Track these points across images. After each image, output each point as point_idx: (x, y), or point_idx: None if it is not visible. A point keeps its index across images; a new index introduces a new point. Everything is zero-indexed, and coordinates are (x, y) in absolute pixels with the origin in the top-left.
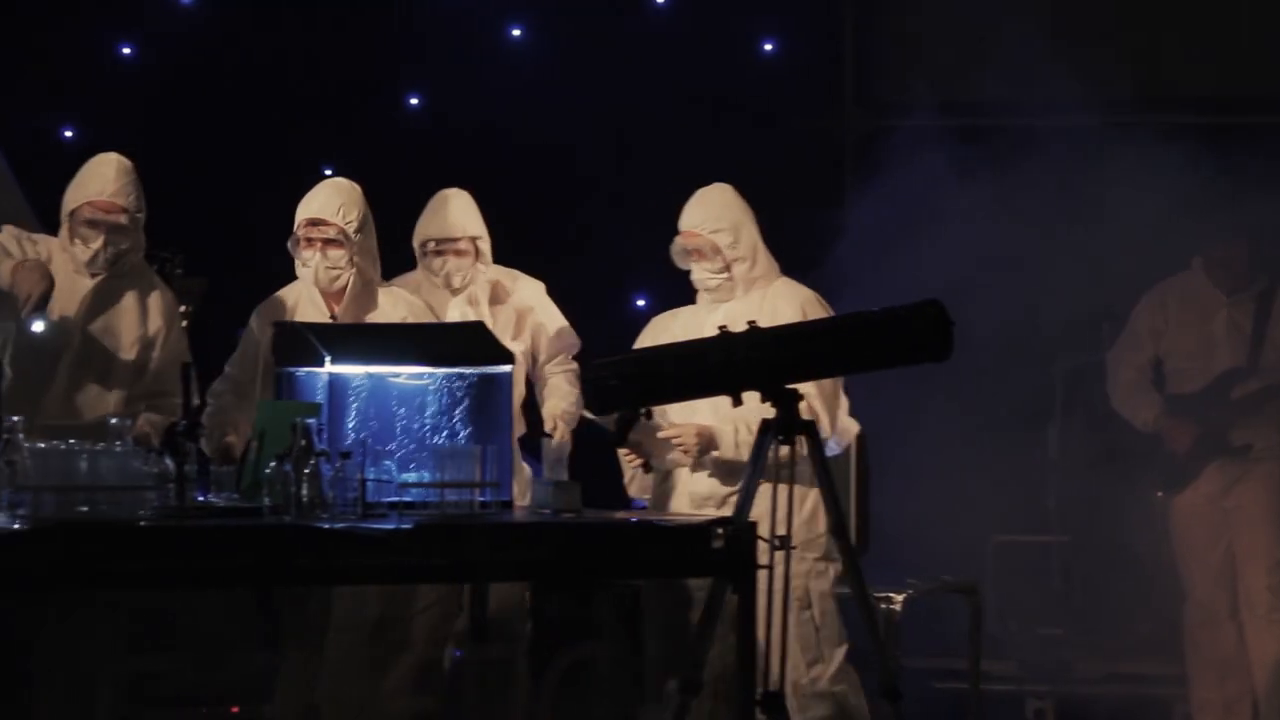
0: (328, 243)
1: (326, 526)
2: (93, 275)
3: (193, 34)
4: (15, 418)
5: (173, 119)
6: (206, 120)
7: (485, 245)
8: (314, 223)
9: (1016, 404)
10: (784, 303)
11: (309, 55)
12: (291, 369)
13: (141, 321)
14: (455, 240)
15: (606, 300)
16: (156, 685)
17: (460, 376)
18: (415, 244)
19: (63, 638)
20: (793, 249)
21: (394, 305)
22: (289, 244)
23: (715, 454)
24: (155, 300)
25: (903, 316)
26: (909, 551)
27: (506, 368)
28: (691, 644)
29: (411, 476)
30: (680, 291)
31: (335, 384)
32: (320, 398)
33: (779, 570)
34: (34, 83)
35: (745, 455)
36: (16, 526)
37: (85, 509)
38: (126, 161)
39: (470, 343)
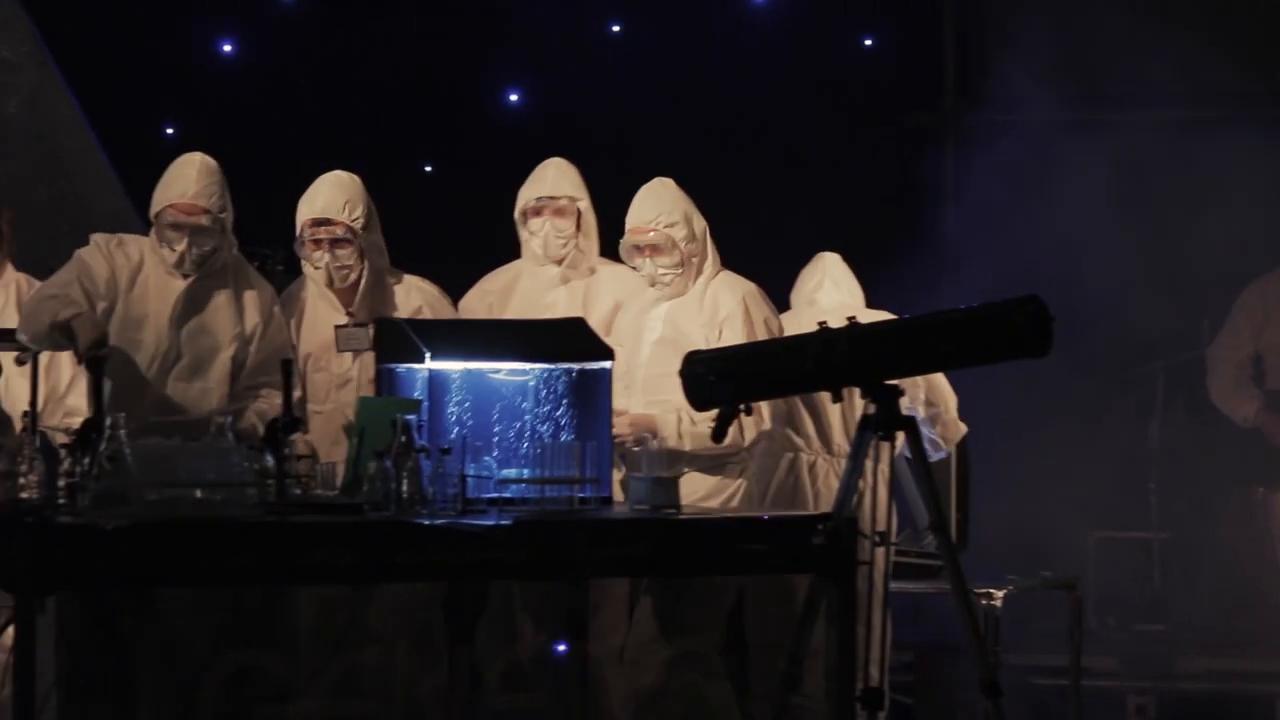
0: (335, 242)
1: (426, 522)
2: (184, 276)
3: (292, 32)
4: (120, 414)
5: (273, 116)
6: (305, 118)
7: (588, 212)
8: (319, 222)
9: (1117, 400)
10: (726, 295)
11: (406, 52)
12: (392, 365)
13: (237, 319)
14: (555, 199)
15: None
16: (258, 680)
17: (560, 372)
18: (516, 215)
19: (165, 634)
20: (894, 241)
21: (408, 295)
22: (295, 245)
23: (656, 442)
24: (251, 296)
25: (1003, 312)
26: (1009, 548)
27: (606, 363)
28: (791, 640)
29: (511, 472)
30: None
31: (435, 380)
32: (420, 394)
33: (876, 566)
34: (135, 82)
35: (688, 445)
36: (119, 524)
37: (187, 506)
38: (210, 161)
39: (570, 339)
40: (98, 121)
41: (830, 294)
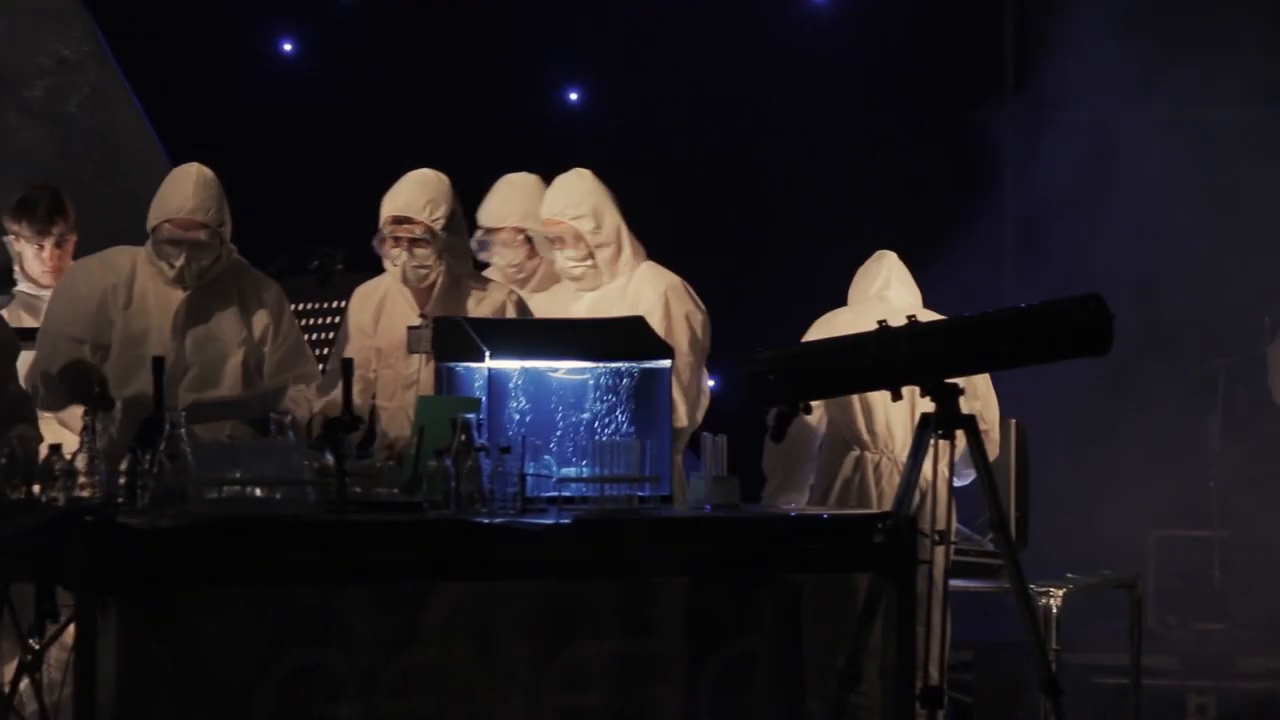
0: (414, 241)
1: (486, 521)
2: (185, 289)
3: (352, 31)
4: (181, 411)
5: (331, 116)
6: (364, 117)
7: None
8: (399, 220)
9: (1177, 397)
10: (647, 288)
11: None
12: (451, 364)
13: (243, 324)
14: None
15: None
16: (316, 680)
17: (620, 371)
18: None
19: (224, 633)
20: (954, 239)
21: (480, 304)
22: (374, 241)
23: None
24: (255, 298)
25: (1063, 310)
26: (1069, 546)
27: (666, 362)
28: (850, 638)
29: (570, 471)
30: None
31: (495, 379)
32: (480, 393)
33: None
34: (195, 80)
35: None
36: (179, 523)
37: (246, 505)
38: (207, 173)
39: (630, 337)
40: (158, 120)
41: (899, 292)
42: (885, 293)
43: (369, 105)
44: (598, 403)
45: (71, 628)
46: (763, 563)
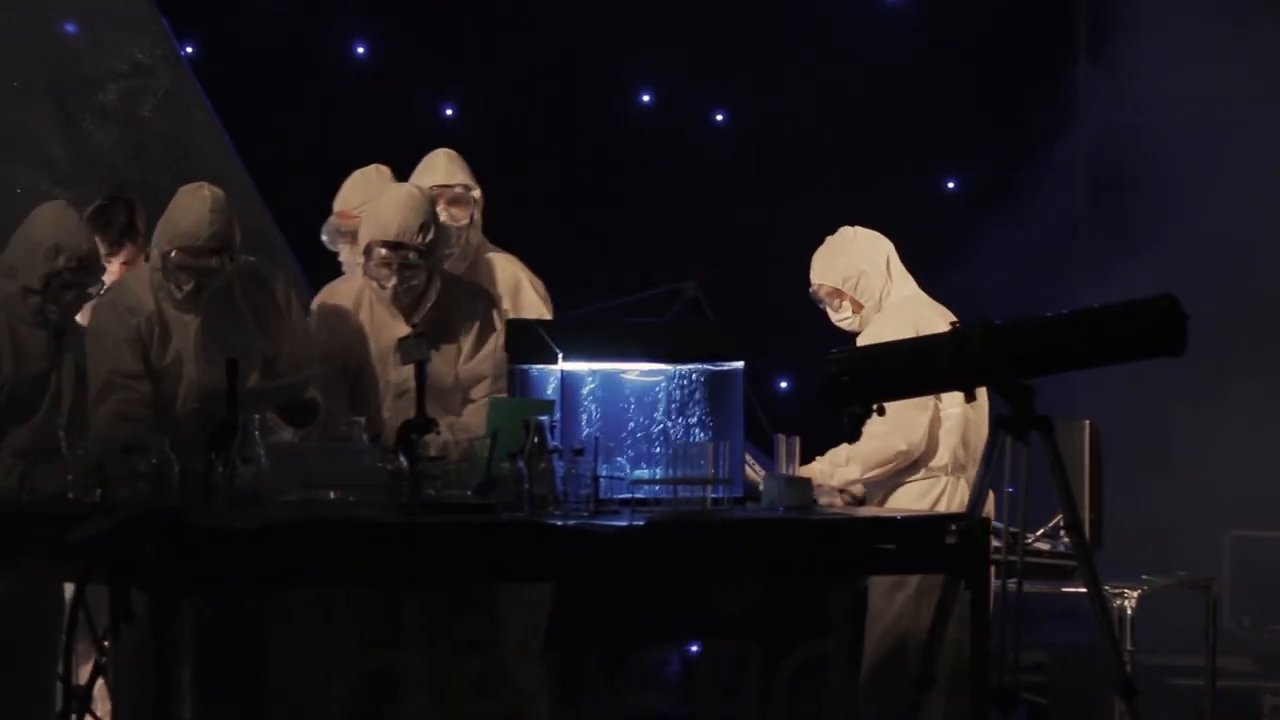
0: (406, 265)
1: (559, 523)
2: (195, 313)
3: (421, 32)
4: (255, 415)
5: (401, 118)
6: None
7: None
8: (390, 245)
9: (1253, 397)
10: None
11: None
12: (524, 366)
13: (256, 333)
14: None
15: None
16: (389, 682)
17: (693, 372)
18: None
19: (298, 635)
20: (1034, 240)
21: (463, 305)
22: (327, 233)
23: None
24: (265, 297)
25: (1138, 310)
26: (1143, 547)
27: (738, 364)
28: (924, 640)
29: (644, 473)
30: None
31: (568, 381)
32: (553, 395)
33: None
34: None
35: (857, 471)
36: (253, 525)
37: (320, 507)
38: (219, 196)
39: (702, 339)
40: (231, 125)
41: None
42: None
43: (437, 107)
44: (670, 404)
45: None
46: (836, 564)
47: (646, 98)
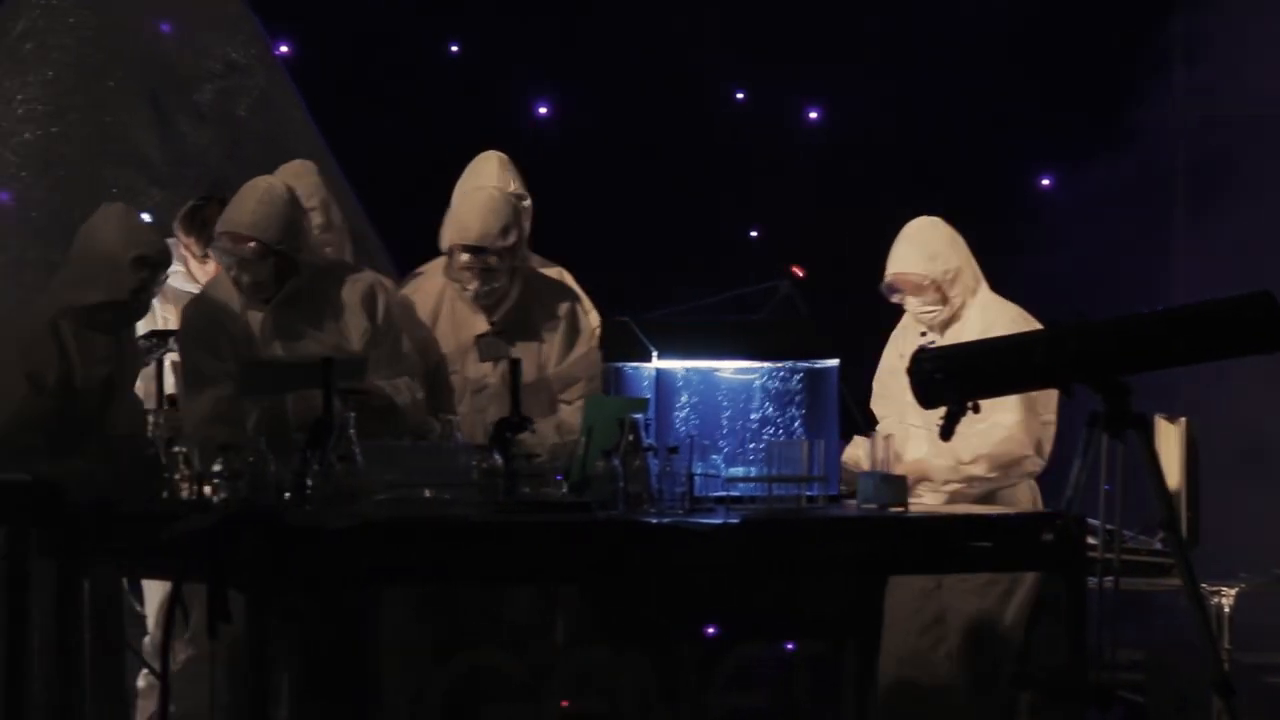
0: (488, 270)
1: (654, 521)
2: (264, 302)
3: (508, 32)
4: (350, 415)
5: (489, 119)
6: (514, 120)
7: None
8: (473, 250)
9: None
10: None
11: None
12: (619, 364)
13: (338, 333)
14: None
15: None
16: (487, 679)
17: (788, 370)
18: None
19: (396, 633)
20: (1130, 238)
21: (545, 304)
22: (446, 255)
23: (925, 484)
24: (348, 302)
25: (1234, 307)
26: (1241, 545)
27: (834, 361)
28: (1021, 638)
29: (739, 471)
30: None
31: (662, 379)
32: (647, 392)
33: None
34: (363, 82)
35: (948, 489)
36: (349, 524)
37: (415, 506)
38: (277, 188)
39: (797, 336)
40: (325, 123)
41: None
42: None
43: (518, 106)
44: (765, 402)
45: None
46: (931, 562)
47: (740, 95)
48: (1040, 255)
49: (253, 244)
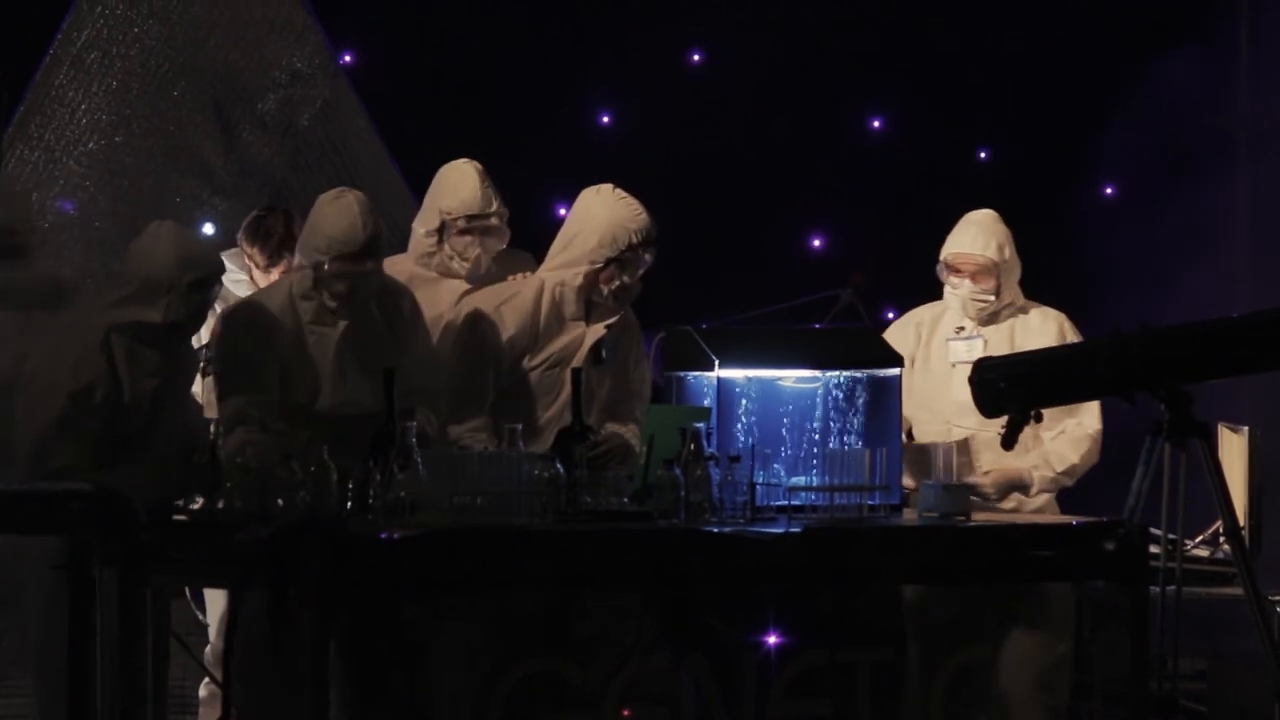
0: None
1: (715, 530)
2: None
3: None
4: (411, 423)
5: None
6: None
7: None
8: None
9: None
10: None
11: None
12: (681, 373)
13: (394, 341)
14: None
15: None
16: (547, 688)
17: (849, 379)
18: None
19: (456, 642)
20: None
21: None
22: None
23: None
24: (395, 312)
25: None
26: None
27: (895, 370)
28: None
29: (800, 480)
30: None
31: (724, 388)
32: (709, 402)
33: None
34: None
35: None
36: (410, 533)
37: (477, 515)
38: (363, 199)
39: (859, 345)
40: (388, 133)
41: None
42: None
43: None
44: (827, 411)
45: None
46: (994, 571)
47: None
48: (1101, 263)
49: (372, 260)
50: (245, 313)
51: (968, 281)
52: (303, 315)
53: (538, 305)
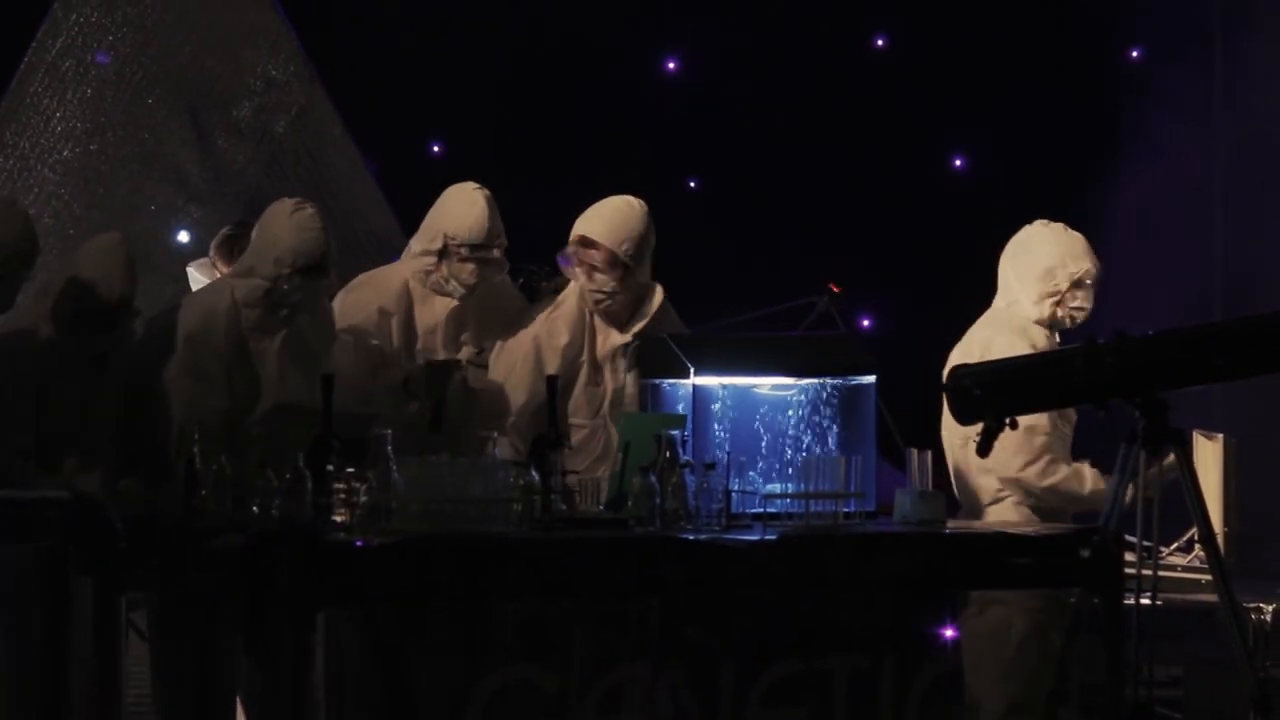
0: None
1: (691, 538)
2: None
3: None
4: (386, 431)
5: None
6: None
7: None
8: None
9: None
10: None
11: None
12: (656, 380)
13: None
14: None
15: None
16: (525, 696)
17: (825, 387)
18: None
19: (432, 649)
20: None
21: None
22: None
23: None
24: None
25: (1272, 323)
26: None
27: (870, 378)
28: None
29: (775, 487)
30: None
31: (699, 395)
32: (684, 409)
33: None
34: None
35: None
36: (386, 540)
37: (452, 522)
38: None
39: (835, 353)
40: (363, 139)
41: None
42: None
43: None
44: (802, 418)
45: None
46: (969, 579)
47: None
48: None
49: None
50: (194, 327)
51: (1078, 293)
52: (245, 321)
53: (582, 315)
